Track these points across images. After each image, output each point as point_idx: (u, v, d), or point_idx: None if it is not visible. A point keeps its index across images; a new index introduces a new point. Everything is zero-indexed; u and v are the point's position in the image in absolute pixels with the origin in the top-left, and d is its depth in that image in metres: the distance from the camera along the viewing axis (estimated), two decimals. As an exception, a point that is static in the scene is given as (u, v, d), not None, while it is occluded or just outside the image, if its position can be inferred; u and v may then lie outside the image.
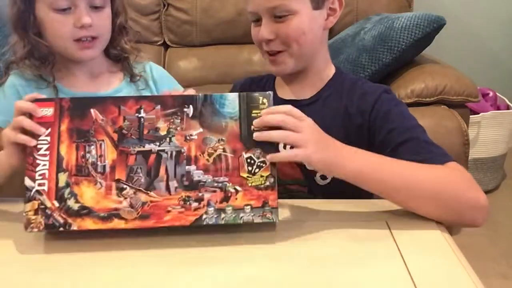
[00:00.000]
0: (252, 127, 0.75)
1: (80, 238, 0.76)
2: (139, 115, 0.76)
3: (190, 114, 0.76)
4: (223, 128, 0.75)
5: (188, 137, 0.75)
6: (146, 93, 1.09)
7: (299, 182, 0.94)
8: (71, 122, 0.76)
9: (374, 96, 0.92)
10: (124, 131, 0.75)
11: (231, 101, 0.76)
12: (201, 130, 0.75)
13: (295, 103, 0.97)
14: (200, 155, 0.75)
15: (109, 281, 0.68)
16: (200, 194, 0.74)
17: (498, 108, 2.29)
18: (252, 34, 0.96)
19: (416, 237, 0.75)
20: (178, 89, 1.09)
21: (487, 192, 2.25)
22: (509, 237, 1.94)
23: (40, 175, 0.74)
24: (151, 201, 0.73)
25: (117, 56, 1.07)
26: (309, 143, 0.73)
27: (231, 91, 1.10)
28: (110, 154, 0.75)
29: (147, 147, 0.75)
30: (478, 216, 0.78)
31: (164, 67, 2.41)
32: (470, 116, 1.94)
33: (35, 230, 0.73)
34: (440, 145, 0.86)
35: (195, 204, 0.73)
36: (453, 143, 1.69)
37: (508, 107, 2.29)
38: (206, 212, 0.73)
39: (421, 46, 1.88)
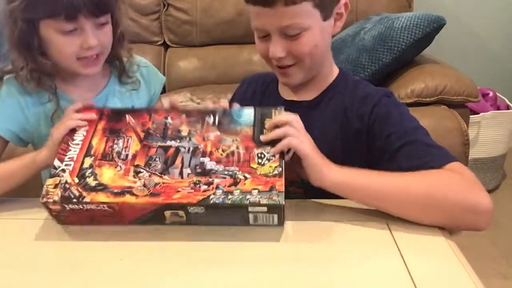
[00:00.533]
0: (264, 130, 0.82)
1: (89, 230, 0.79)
2: (166, 120, 0.86)
3: (211, 122, 0.85)
4: (238, 131, 0.83)
5: (206, 138, 0.83)
6: (137, 94, 1.08)
7: (296, 183, 0.94)
8: (107, 123, 0.87)
9: (374, 100, 0.91)
10: (150, 131, 0.85)
11: (247, 113, 0.86)
12: (218, 133, 0.83)
13: (296, 104, 0.97)
14: (215, 150, 0.81)
15: (112, 277, 0.69)
16: (210, 179, 0.77)
17: (498, 108, 2.28)
18: (258, 49, 0.94)
19: (416, 237, 0.75)
20: (161, 80, 1.15)
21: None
22: (509, 237, 1.94)
23: (69, 158, 0.82)
24: (164, 183, 0.77)
25: (112, 59, 1.06)
26: (305, 139, 0.80)
27: (239, 88, 1.11)
28: (135, 147, 0.83)
29: (168, 143, 0.83)
30: (479, 220, 0.75)
31: (164, 67, 2.42)
32: (470, 116, 1.94)
33: (50, 200, 0.76)
34: (442, 146, 0.85)
35: (204, 187, 0.76)
36: (453, 143, 1.69)
37: (508, 107, 2.29)
38: (214, 193, 0.75)
39: (421, 46, 1.88)
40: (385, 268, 0.69)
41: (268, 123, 0.83)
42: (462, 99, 1.80)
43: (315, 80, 0.97)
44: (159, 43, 2.48)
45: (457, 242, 0.75)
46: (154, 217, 0.78)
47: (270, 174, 0.77)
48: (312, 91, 0.98)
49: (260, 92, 1.05)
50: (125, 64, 1.06)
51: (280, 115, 0.83)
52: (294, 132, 0.79)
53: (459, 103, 1.81)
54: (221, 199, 0.74)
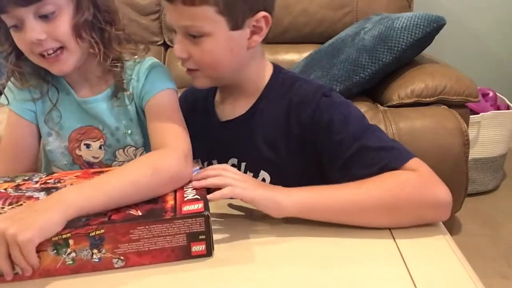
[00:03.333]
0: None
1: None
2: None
3: None
4: None
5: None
6: (126, 109, 0.98)
7: None
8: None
9: (312, 106, 0.85)
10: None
11: None
12: None
13: (231, 122, 0.93)
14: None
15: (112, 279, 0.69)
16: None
17: (498, 108, 2.29)
18: None
19: (416, 237, 0.75)
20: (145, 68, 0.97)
21: (487, 192, 2.25)
22: (509, 237, 1.94)
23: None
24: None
25: (111, 64, 0.94)
26: (245, 184, 0.76)
27: (180, 99, 0.99)
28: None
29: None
30: (439, 212, 0.76)
31: (164, 67, 2.42)
32: (470, 116, 1.94)
33: None
34: (393, 141, 0.83)
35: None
36: (453, 143, 1.69)
37: (508, 107, 2.29)
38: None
39: (421, 46, 1.88)
40: (385, 268, 0.69)
41: (197, 175, 0.79)
42: (462, 99, 1.81)
43: (242, 90, 0.92)
44: (159, 43, 2.48)
45: (457, 241, 0.75)
46: None
47: None
48: (244, 102, 0.93)
49: (200, 112, 0.99)
50: (123, 80, 0.95)
51: (209, 168, 0.80)
52: (232, 181, 0.76)
53: (459, 103, 1.81)
54: None
